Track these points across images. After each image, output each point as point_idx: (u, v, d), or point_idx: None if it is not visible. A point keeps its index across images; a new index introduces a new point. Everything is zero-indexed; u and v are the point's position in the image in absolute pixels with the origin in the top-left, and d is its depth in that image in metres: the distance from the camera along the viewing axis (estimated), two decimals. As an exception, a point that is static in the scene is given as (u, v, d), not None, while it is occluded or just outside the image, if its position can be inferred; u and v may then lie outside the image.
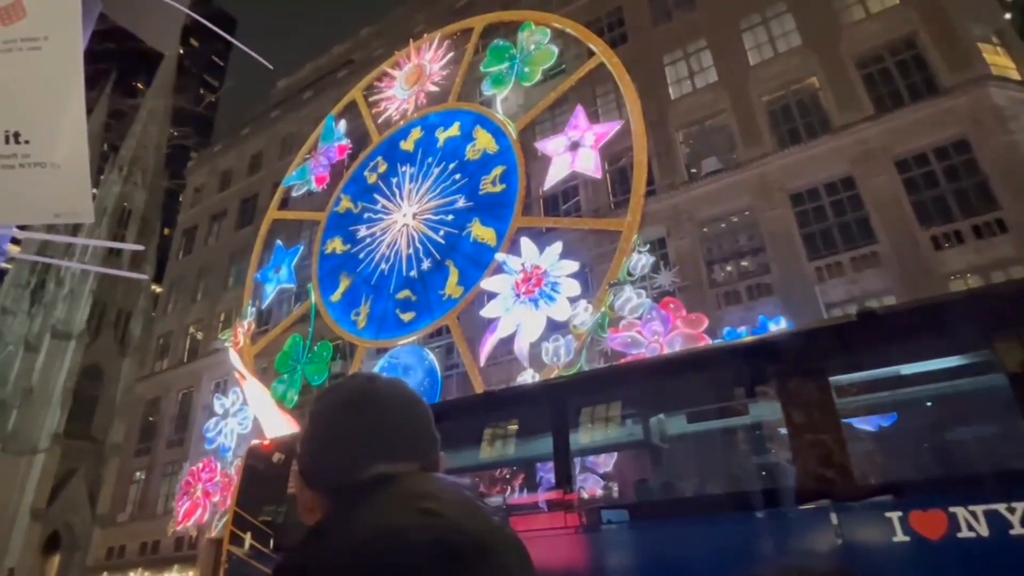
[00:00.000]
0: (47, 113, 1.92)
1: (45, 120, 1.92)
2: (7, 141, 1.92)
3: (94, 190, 56.03)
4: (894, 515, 4.36)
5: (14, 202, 1.96)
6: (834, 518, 4.63)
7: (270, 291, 26.90)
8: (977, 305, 5.44)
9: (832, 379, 5.20)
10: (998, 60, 17.47)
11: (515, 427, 7.92)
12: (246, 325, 26.47)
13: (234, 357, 25.31)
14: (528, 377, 16.80)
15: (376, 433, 1.07)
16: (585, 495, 7.54)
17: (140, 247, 3.24)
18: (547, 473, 7.52)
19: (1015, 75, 17.19)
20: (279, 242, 27.94)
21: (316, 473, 1.09)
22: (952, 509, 4.16)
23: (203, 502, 23.29)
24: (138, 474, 32.54)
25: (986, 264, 15.19)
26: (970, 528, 4.07)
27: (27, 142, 1.92)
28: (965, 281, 15.49)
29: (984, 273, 15.21)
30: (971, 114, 16.35)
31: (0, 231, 2.44)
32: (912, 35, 18.09)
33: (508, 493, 8.70)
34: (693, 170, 20.47)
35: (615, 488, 8.47)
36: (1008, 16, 19.54)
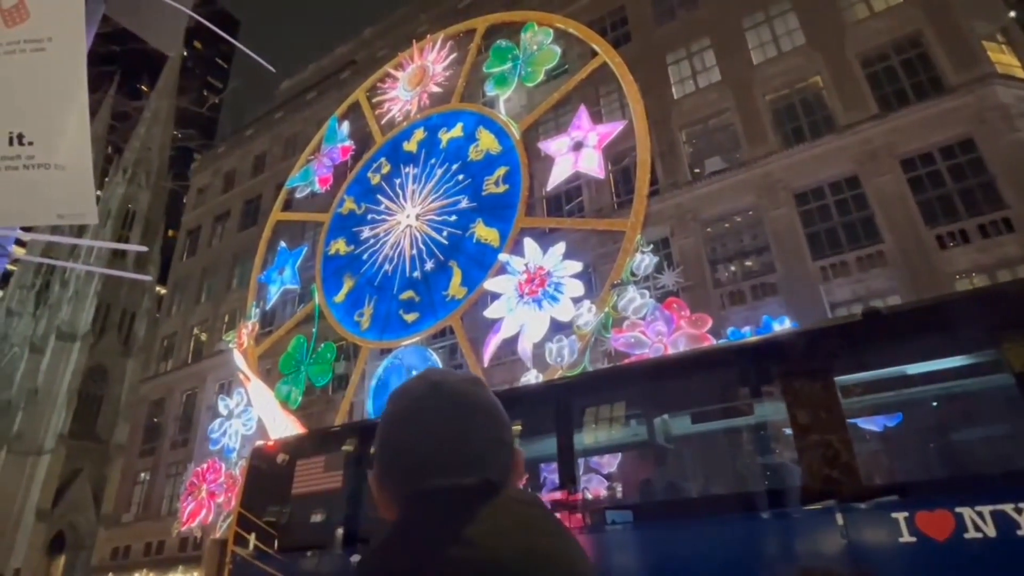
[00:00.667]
0: (51, 114, 1.91)
1: (49, 121, 1.91)
2: (11, 143, 1.91)
3: (98, 192, 56.32)
4: (900, 516, 4.33)
5: (18, 203, 1.96)
6: (840, 519, 4.61)
7: (274, 292, 26.95)
8: (984, 305, 5.40)
9: (837, 379, 5.17)
10: (1003, 58, 17.40)
11: (519, 427, 7.90)
12: (250, 326, 26.53)
13: (238, 358, 25.36)
14: (532, 378, 16.78)
15: (434, 445, 1.06)
16: (589, 496, 7.53)
17: (143, 248, 3.25)
18: (551, 474, 7.52)
19: (1020, 73, 17.12)
20: (283, 243, 27.98)
21: (382, 480, 1.12)
22: (959, 510, 4.13)
23: (207, 503, 23.33)
24: (143, 475, 32.62)
25: (992, 263, 15.13)
26: (977, 529, 4.04)
27: (31, 143, 1.91)
28: (971, 280, 15.43)
29: (990, 272, 15.15)
30: (977, 113, 16.29)
31: (4, 232, 2.44)
32: (916, 33, 18.03)
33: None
34: (696, 170, 20.44)
35: (619, 489, 8.46)
36: (1013, 14, 19.44)
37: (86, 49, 1.93)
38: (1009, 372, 4.64)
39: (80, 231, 46.96)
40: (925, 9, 18.01)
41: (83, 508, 44.38)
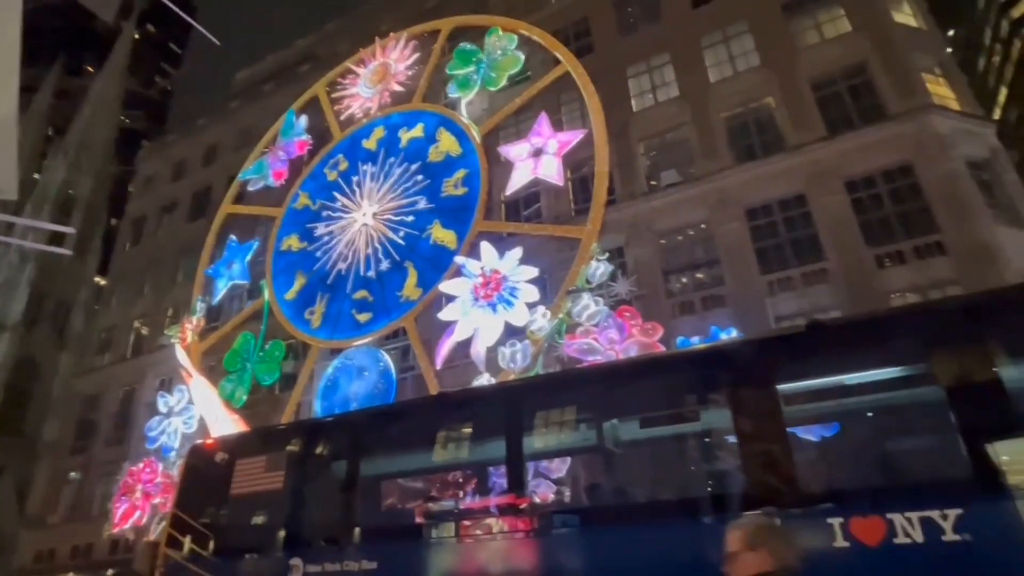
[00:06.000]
0: None
1: None
2: None
3: (36, 174, 53.41)
4: (835, 521, 4.48)
5: None
6: (778, 524, 4.73)
7: (221, 287, 26.11)
8: (918, 319, 5.67)
9: (780, 388, 5.33)
10: (940, 90, 18.38)
11: (469, 430, 7.86)
12: (194, 321, 25.63)
13: (181, 354, 24.45)
14: (484, 381, 16.73)
15: None
16: (537, 500, 7.53)
17: (70, 229, 3.08)
18: (500, 478, 7.49)
19: (955, 105, 18.11)
20: (232, 237, 27.15)
21: None
22: (890, 516, 4.30)
23: (143, 504, 22.37)
24: (73, 474, 31.06)
25: (925, 284, 15.91)
26: (906, 534, 4.21)
27: None
28: (905, 299, 16.18)
29: (923, 292, 15.92)
30: (915, 140, 17.13)
31: None
32: (863, 62, 18.87)
33: (460, 497, 8.63)
34: (653, 182, 20.83)
35: (567, 493, 8.49)
36: (949, 49, 20.59)
37: (19, 17, 1.81)
38: (939, 385, 4.88)
39: (15, 215, 44.56)
40: (871, 39, 18.87)
41: (5, 508, 41.88)
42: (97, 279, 49.87)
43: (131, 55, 60.91)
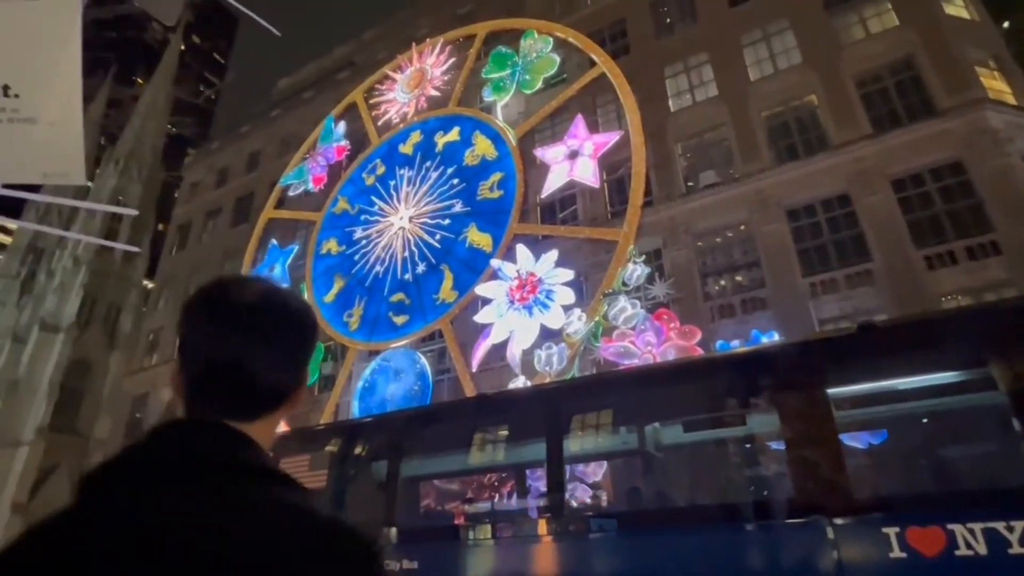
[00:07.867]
0: (41, 68, 1.82)
1: (38, 75, 1.81)
2: None
3: (89, 183, 55.55)
4: (891, 531, 4.29)
5: (2, 158, 1.86)
6: (829, 532, 4.56)
7: (263, 290, 26.74)
8: (979, 321, 5.41)
9: (830, 391, 5.15)
10: (994, 84, 17.63)
11: (506, 432, 7.83)
12: (237, 323, 26.28)
13: (224, 355, 25.11)
14: (520, 384, 16.71)
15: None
16: (575, 503, 7.46)
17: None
18: (536, 481, 7.44)
19: (1011, 99, 17.35)
20: (274, 241, 27.80)
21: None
22: (950, 526, 4.10)
23: (187, 501, 23.03)
24: (122, 471, 32.18)
25: (979, 286, 15.25)
26: (968, 546, 4.00)
27: (17, 96, 1.81)
28: (957, 302, 15.53)
29: (976, 295, 15.26)
30: (967, 136, 16.46)
31: None
32: (910, 56, 18.25)
33: (497, 499, 8.61)
34: (690, 183, 20.52)
35: (603, 496, 8.40)
36: (1005, 41, 19.73)
37: (81, 4, 1.84)
38: (1001, 390, 4.64)
39: (69, 222, 46.58)
40: (920, 33, 18.23)
41: (60, 503, 43.53)
42: (145, 282, 51.62)
43: (178, 65, 62.99)
